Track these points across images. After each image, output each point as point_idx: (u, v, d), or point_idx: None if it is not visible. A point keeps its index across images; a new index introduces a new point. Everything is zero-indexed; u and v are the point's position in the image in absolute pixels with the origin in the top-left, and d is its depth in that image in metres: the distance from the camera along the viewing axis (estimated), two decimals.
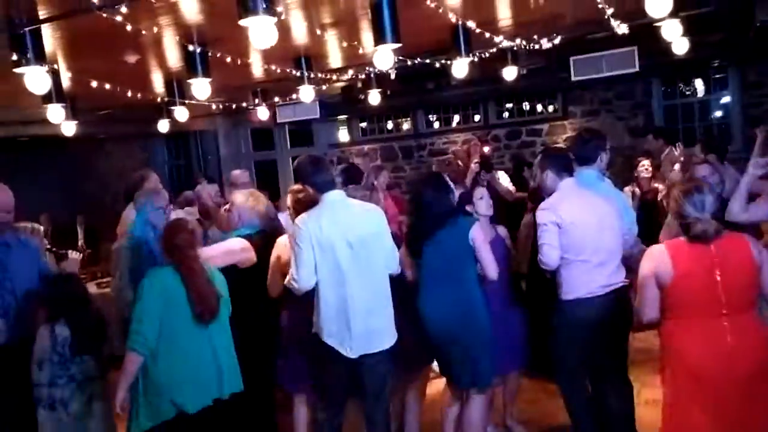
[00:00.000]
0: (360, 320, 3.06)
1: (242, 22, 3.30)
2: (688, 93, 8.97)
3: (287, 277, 3.12)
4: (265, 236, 3.59)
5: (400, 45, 4.07)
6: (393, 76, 6.76)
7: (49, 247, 4.14)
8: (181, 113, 6.70)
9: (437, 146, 10.02)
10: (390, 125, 10.61)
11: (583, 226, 3.26)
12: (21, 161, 9.72)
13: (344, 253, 3.05)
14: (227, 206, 3.90)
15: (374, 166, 8.22)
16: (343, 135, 10.86)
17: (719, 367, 2.57)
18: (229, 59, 5.02)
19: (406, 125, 10.46)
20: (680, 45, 6.00)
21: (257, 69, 6.12)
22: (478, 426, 3.44)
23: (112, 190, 10.13)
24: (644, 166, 5.82)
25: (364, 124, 10.74)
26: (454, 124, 10.11)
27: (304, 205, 3.25)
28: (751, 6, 5.28)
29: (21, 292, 3.48)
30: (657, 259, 2.68)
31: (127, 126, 9.57)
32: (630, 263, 3.38)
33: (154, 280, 2.99)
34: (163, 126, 7.83)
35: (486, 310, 3.32)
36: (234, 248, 3.48)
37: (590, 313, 3.25)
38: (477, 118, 9.90)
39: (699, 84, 8.90)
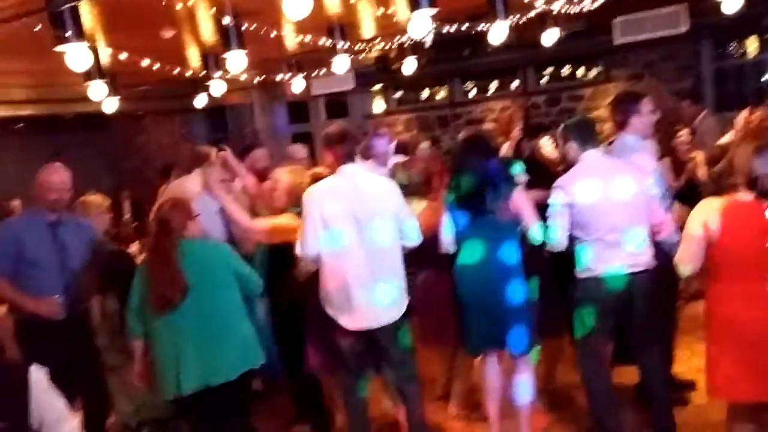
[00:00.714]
0: (361, 294, 3.07)
1: None
2: (739, 54, 8.56)
3: (296, 246, 3.16)
4: None
5: (437, 10, 3.97)
6: (429, 44, 6.62)
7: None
8: (216, 87, 6.71)
9: (474, 115, 9.83)
10: (425, 94, 10.47)
11: (599, 205, 3.16)
12: (65, 140, 9.95)
13: (349, 226, 3.06)
14: (271, 184, 3.87)
15: (413, 135, 8.19)
16: (378, 105, 10.77)
17: (762, 333, 2.50)
18: (263, 31, 4.98)
19: (441, 94, 10.29)
20: (732, 2, 5.69)
21: (291, 41, 6.07)
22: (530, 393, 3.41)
23: (153, 165, 10.33)
24: (682, 135, 5.54)
25: (399, 94, 10.62)
26: (491, 92, 9.91)
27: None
28: None
29: (79, 269, 3.61)
30: (708, 211, 2.60)
31: (165, 102, 9.70)
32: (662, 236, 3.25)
33: (140, 265, 3.05)
34: (200, 101, 7.88)
35: (523, 275, 3.27)
36: (289, 226, 3.42)
37: (607, 292, 3.16)
38: (515, 85, 9.67)
39: (751, 43, 8.48)
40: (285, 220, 3.47)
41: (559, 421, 3.77)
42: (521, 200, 3.27)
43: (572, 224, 3.23)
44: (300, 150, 5.39)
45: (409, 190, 3.73)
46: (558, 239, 3.23)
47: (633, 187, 3.21)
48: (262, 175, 4.49)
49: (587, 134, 3.33)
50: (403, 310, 3.20)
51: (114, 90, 6.19)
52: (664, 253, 3.22)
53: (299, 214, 3.50)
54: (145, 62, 5.45)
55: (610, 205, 3.17)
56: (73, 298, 3.55)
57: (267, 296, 3.66)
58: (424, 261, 3.63)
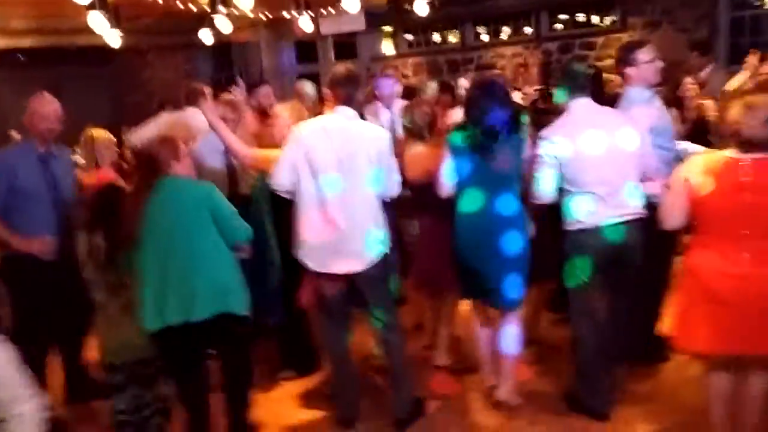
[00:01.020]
0: (339, 239, 3.06)
1: None
2: (757, 4, 8.30)
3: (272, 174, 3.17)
4: None
5: None
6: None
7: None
8: (223, 24, 6.56)
9: (485, 60, 9.64)
10: (437, 38, 10.24)
11: (587, 158, 3.07)
12: (67, 73, 9.81)
13: (331, 168, 3.04)
14: (270, 121, 3.85)
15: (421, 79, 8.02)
16: (388, 48, 10.55)
17: (733, 290, 2.51)
18: None
19: (452, 38, 10.06)
20: None
21: None
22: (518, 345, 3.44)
23: (156, 101, 10.22)
24: (687, 85, 5.39)
25: (409, 37, 10.39)
26: (503, 37, 9.68)
27: None
28: None
29: (66, 205, 3.59)
30: (691, 166, 2.62)
31: (170, 37, 9.50)
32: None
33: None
34: (206, 36, 7.72)
35: (522, 226, 3.23)
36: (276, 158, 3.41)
37: (600, 243, 3.11)
38: (528, 30, 9.44)
39: None
40: (279, 153, 3.45)
41: (541, 374, 3.79)
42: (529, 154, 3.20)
43: (560, 176, 3.13)
44: (308, 86, 5.32)
45: (412, 133, 3.69)
46: (545, 191, 3.16)
47: (624, 139, 3.11)
48: (267, 113, 4.47)
49: (575, 81, 3.19)
50: (383, 257, 3.16)
51: (116, 22, 6.08)
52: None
53: None
54: None
55: (598, 157, 3.07)
56: (63, 235, 3.51)
57: (275, 232, 3.68)
58: (423, 207, 3.61)
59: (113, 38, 6.44)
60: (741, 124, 2.50)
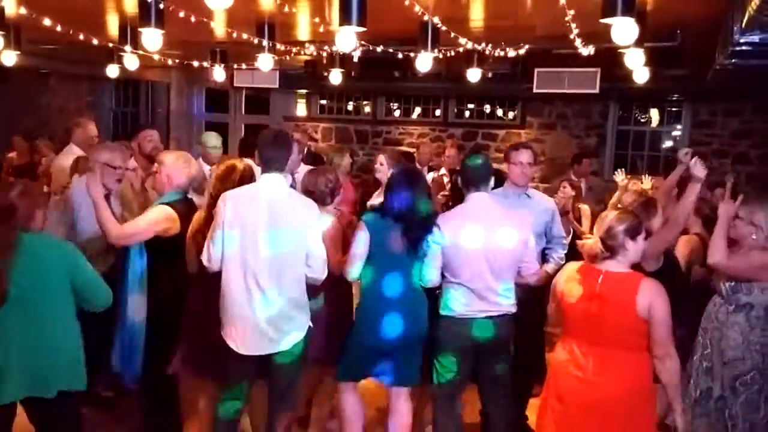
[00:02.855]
0: (253, 319, 2.93)
1: None
2: (643, 121, 9.17)
3: (203, 253, 3.00)
4: (189, 204, 3.42)
5: (364, 29, 3.96)
6: (356, 59, 6.62)
7: None
8: (131, 61, 6.39)
9: (393, 135, 9.95)
10: (350, 107, 10.46)
11: (468, 251, 3.09)
12: None
13: (255, 244, 2.91)
14: (155, 168, 3.66)
15: (338, 146, 8.07)
16: (301, 109, 10.64)
17: (577, 393, 2.63)
18: (183, 14, 4.78)
19: (366, 109, 10.33)
20: (641, 74, 6.09)
21: (218, 28, 5.88)
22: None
23: (51, 126, 9.65)
24: (566, 188, 5.23)
25: (323, 101, 10.55)
26: (414, 116, 10.05)
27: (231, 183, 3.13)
28: (713, 48, 5.39)
29: None
30: (562, 272, 2.82)
31: (75, 65, 9.10)
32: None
33: None
34: (112, 71, 7.47)
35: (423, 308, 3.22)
36: (158, 219, 3.24)
37: (469, 337, 3.15)
38: (437, 113, 9.87)
39: (654, 114, 9.12)
40: (154, 215, 3.27)
41: None
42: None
43: (443, 265, 3.17)
44: (213, 138, 5.23)
45: (314, 198, 3.63)
46: (430, 278, 3.17)
47: (510, 237, 3.15)
48: (150, 157, 4.36)
49: (476, 175, 3.23)
50: (303, 333, 3.05)
51: (14, 44, 5.77)
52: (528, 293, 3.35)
53: (174, 203, 3.31)
54: (55, 25, 5.07)
55: (483, 252, 3.10)
56: None
57: (145, 289, 3.44)
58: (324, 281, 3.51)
59: (8, 58, 6.10)
60: (592, 237, 2.69)
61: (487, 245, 3.12)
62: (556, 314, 2.82)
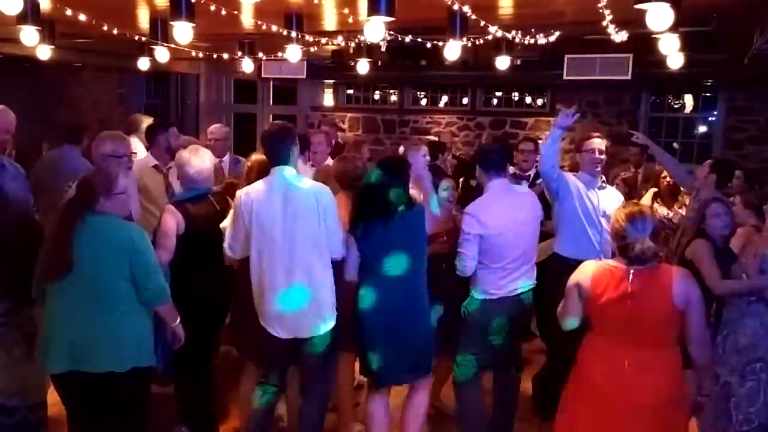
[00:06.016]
0: (276, 304, 3.00)
1: None
2: (676, 107, 8.98)
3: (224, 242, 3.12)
4: (202, 199, 3.39)
5: (392, 19, 3.95)
6: (384, 49, 6.60)
7: None
8: (162, 54, 6.46)
9: (420, 124, 9.91)
10: (377, 96, 10.45)
11: (506, 235, 3.25)
12: None
13: (274, 236, 2.97)
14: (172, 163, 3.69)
15: (356, 140, 8.09)
16: (328, 99, 10.67)
17: (613, 393, 2.56)
18: (213, 7, 4.81)
19: (393, 98, 10.30)
20: (675, 60, 5.96)
21: (247, 20, 5.91)
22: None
23: (84, 119, 9.83)
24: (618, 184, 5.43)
25: (350, 91, 10.56)
26: (441, 105, 10.00)
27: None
28: (750, 31, 5.25)
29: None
30: (582, 272, 2.67)
31: (106, 58, 9.24)
32: None
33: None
34: (143, 64, 7.58)
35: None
36: (161, 238, 3.22)
37: (496, 313, 3.31)
38: (465, 101, 9.80)
39: (688, 100, 8.92)
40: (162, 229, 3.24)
41: None
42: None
43: (480, 251, 3.27)
44: (218, 131, 5.27)
45: (342, 185, 3.63)
46: (469, 268, 3.26)
47: (531, 217, 3.37)
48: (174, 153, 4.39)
49: (490, 161, 3.35)
50: (325, 325, 3.08)
51: (50, 37, 5.87)
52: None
53: (183, 201, 3.32)
54: (86, 18, 5.15)
55: (514, 236, 3.27)
56: None
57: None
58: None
59: (43, 52, 6.22)
60: (628, 237, 2.55)
61: (516, 227, 3.29)
62: (582, 314, 2.69)
